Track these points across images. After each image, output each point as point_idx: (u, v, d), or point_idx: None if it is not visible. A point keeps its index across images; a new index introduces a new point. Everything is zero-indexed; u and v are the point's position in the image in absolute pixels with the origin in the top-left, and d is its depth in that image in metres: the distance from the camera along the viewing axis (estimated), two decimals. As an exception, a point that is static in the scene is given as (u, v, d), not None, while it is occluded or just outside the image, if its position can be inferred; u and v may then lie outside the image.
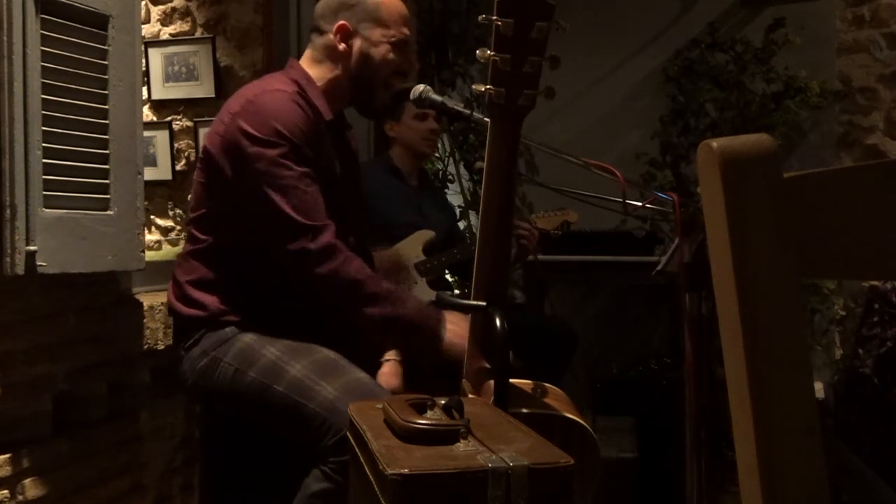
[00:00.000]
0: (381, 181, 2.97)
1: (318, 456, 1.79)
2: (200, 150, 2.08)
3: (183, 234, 3.48)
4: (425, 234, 2.93)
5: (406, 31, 2.10)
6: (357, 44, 2.07)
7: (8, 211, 1.85)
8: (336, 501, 1.74)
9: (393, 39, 2.07)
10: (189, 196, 3.51)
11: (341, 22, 2.07)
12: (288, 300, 1.99)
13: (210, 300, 1.99)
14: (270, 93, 1.97)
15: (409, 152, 3.09)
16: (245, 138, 1.91)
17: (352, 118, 2.29)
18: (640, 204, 1.80)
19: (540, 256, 3.09)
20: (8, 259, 1.84)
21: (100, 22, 2.10)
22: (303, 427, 1.81)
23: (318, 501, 1.78)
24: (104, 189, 2.11)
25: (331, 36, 2.08)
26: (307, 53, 2.14)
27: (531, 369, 2.26)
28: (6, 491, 1.92)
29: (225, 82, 3.39)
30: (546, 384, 1.69)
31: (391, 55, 2.07)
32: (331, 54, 2.09)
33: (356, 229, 2.18)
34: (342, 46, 2.07)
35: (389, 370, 2.07)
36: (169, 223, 3.61)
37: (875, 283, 3.74)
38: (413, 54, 2.13)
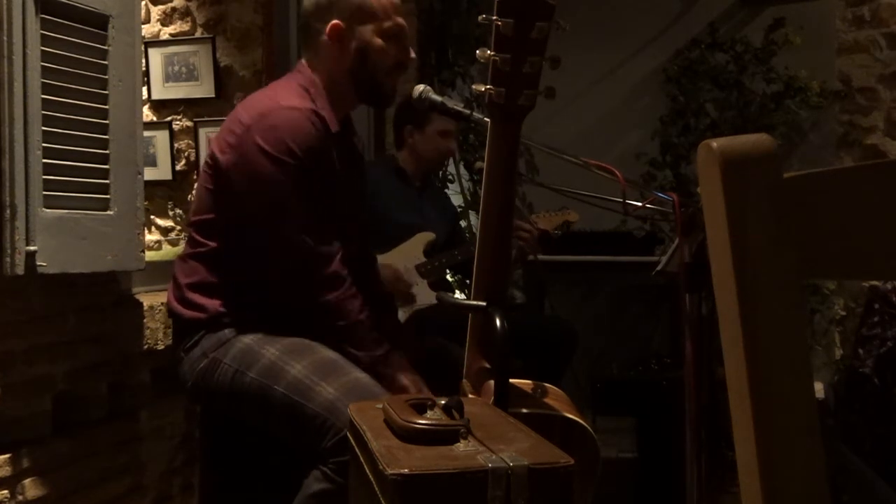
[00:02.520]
0: (384, 182, 2.97)
1: (318, 456, 1.79)
2: (207, 155, 2.07)
3: (183, 235, 3.48)
4: (426, 236, 2.93)
5: (399, 19, 2.06)
6: (352, 41, 2.04)
7: (8, 211, 1.85)
8: (336, 502, 1.74)
9: (385, 30, 2.04)
10: (189, 196, 3.53)
11: (333, 21, 2.03)
12: (288, 305, 1.99)
13: (210, 303, 1.99)
14: (287, 111, 1.94)
15: (419, 160, 3.08)
16: (262, 156, 1.90)
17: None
18: (640, 204, 1.80)
19: (540, 256, 3.09)
20: (8, 259, 1.84)
21: (100, 22, 2.10)
22: (302, 427, 1.81)
23: (318, 502, 1.78)
24: (104, 189, 2.11)
25: (324, 37, 2.05)
26: (305, 57, 2.11)
27: (531, 369, 2.26)
28: (6, 491, 1.92)
29: (225, 82, 3.39)
30: (546, 384, 1.69)
31: (387, 47, 2.04)
32: (327, 55, 2.06)
33: (359, 236, 2.18)
34: (337, 46, 2.05)
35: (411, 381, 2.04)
36: (169, 223, 3.61)
37: (875, 283, 3.74)
38: (408, 43, 2.10)
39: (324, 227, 1.96)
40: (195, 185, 3.51)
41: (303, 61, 2.12)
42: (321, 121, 1.99)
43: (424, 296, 2.80)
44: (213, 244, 2.02)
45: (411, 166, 3.08)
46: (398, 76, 2.10)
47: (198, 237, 2.05)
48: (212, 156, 2.03)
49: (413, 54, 2.11)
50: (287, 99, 1.99)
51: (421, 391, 1.96)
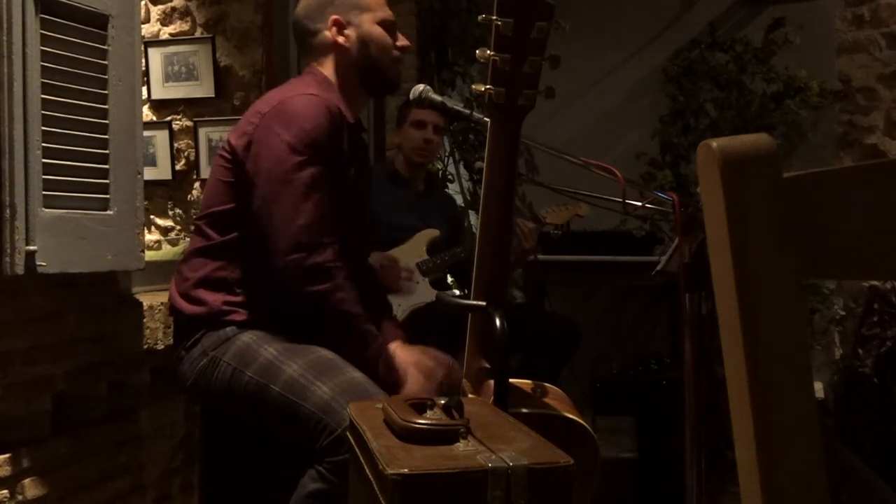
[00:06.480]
0: (378, 184, 2.96)
1: (314, 456, 1.79)
2: (221, 148, 2.07)
3: (183, 234, 3.48)
4: (430, 233, 2.93)
5: (389, 11, 2.15)
6: (353, 33, 2.10)
7: (8, 211, 1.85)
8: (331, 502, 1.74)
9: (380, 21, 2.12)
10: (189, 196, 3.53)
11: (333, 16, 2.09)
12: (286, 296, 1.98)
13: (214, 298, 1.98)
14: (302, 97, 1.97)
15: (407, 158, 3.08)
16: (274, 139, 1.92)
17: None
18: (640, 204, 1.80)
19: (540, 256, 3.09)
20: (8, 259, 1.84)
21: (100, 22, 2.10)
22: (298, 427, 1.81)
23: (314, 501, 1.77)
24: (104, 189, 2.11)
25: (326, 33, 2.10)
26: (310, 62, 2.15)
27: (531, 369, 2.25)
28: (6, 491, 1.92)
29: (225, 82, 3.39)
30: (546, 384, 1.69)
31: (384, 35, 2.12)
32: (331, 50, 2.11)
33: (362, 233, 2.18)
34: (341, 39, 2.09)
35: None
36: (169, 223, 3.61)
37: (875, 283, 3.74)
38: (399, 33, 2.18)
39: (323, 218, 1.92)
40: (196, 184, 3.52)
41: (312, 64, 2.15)
42: (338, 110, 2.01)
43: (425, 294, 2.80)
44: (228, 237, 2.01)
45: (403, 167, 3.08)
46: (400, 61, 2.16)
47: (210, 231, 2.03)
48: (230, 149, 2.02)
49: (407, 42, 2.18)
50: (305, 88, 2.03)
51: (435, 370, 1.95)
